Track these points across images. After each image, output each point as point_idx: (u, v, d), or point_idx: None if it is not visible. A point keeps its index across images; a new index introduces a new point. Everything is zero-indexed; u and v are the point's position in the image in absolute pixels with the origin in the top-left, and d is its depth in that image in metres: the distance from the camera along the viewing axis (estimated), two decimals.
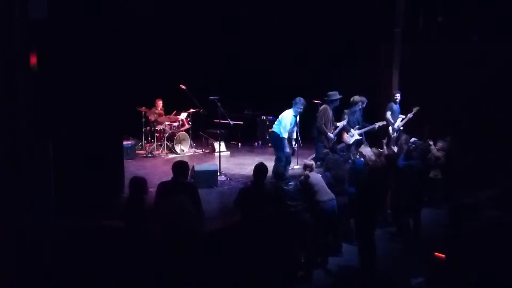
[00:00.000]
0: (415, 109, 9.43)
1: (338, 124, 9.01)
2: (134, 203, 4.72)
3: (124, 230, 4.70)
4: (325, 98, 8.92)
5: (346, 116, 9.07)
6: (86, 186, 6.31)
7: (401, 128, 9.61)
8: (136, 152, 10.44)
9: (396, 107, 9.69)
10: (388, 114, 9.60)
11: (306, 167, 6.24)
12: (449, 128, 9.01)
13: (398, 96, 9.70)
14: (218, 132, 9.85)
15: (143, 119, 10.76)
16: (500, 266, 4.65)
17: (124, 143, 9.13)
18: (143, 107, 10.71)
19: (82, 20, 6.35)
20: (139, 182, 4.82)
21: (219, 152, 9.33)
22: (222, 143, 10.24)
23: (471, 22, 10.07)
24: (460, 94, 9.87)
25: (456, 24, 10.30)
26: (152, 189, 5.39)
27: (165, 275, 4.49)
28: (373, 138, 9.24)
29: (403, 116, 9.62)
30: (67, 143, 6.14)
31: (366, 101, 9.34)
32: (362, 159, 7.01)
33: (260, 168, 5.52)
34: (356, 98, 9.24)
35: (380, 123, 9.19)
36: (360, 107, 9.22)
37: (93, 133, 6.61)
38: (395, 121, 9.59)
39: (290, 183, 5.94)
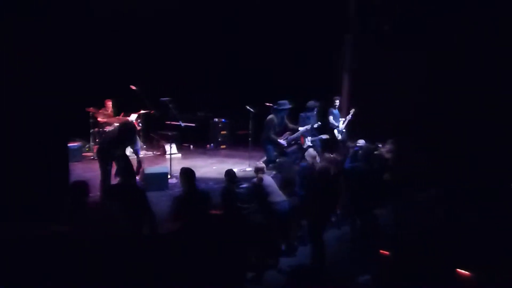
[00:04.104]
0: (352, 111, 10.31)
1: (300, 128, 9.18)
2: (76, 207, 4.60)
3: (69, 235, 4.56)
4: (275, 107, 8.99)
5: (308, 120, 9.39)
6: (28, 190, 6.02)
7: (344, 130, 10.32)
8: (83, 154, 10.13)
9: (336, 111, 10.41)
10: (331, 118, 10.30)
11: (258, 169, 6.27)
12: (398, 130, 9.30)
13: (337, 102, 10.46)
14: (170, 134, 9.70)
15: (91, 120, 10.45)
16: (443, 262, 4.83)
17: (70, 144, 8.82)
18: (92, 108, 10.40)
19: (23, 18, 6.06)
20: (80, 186, 4.76)
21: (170, 154, 9.19)
22: (174, 145, 10.11)
23: (417, 30, 10.40)
24: (409, 97, 10.20)
25: (402, 32, 10.60)
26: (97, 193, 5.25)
27: (114, 278, 4.37)
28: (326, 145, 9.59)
29: (343, 119, 10.39)
30: (7, 144, 5.84)
31: (318, 105, 9.77)
32: (308, 162, 7.10)
33: (186, 173, 5.29)
34: (312, 103, 9.51)
35: (324, 136, 9.64)
36: (315, 112, 9.62)
37: (36, 134, 6.31)
38: (338, 124, 10.29)
39: (242, 185, 5.92)
